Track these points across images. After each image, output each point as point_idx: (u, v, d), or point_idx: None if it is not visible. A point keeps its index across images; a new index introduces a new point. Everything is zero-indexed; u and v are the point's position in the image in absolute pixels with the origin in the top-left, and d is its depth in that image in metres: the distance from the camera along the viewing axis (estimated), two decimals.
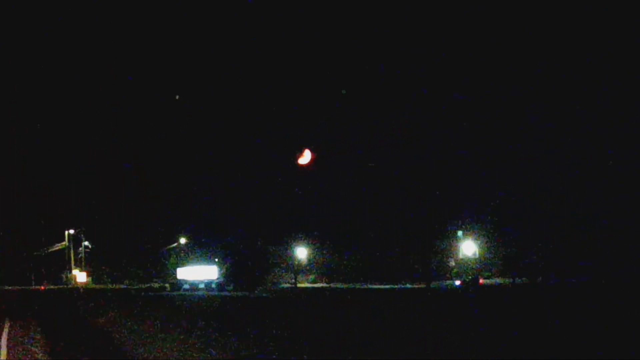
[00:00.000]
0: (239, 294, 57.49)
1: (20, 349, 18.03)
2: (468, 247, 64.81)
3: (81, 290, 69.94)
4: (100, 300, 45.01)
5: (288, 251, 76.82)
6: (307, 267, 77.81)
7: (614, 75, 61.28)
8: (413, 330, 19.67)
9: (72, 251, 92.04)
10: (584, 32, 64.16)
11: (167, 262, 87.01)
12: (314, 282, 76.50)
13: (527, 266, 61.39)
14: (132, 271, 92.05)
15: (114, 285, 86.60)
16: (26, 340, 20.10)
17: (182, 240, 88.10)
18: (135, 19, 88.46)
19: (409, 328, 20.23)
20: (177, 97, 74.67)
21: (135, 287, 78.94)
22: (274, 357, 15.50)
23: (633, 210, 57.17)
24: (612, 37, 62.01)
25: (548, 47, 68.57)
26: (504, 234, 64.92)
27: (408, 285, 59.77)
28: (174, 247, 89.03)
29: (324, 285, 71.62)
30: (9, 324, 25.54)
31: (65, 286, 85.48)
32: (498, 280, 63.33)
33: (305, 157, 41.61)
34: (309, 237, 76.45)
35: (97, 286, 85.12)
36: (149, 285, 79.35)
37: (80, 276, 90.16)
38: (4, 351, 17.71)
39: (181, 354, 16.19)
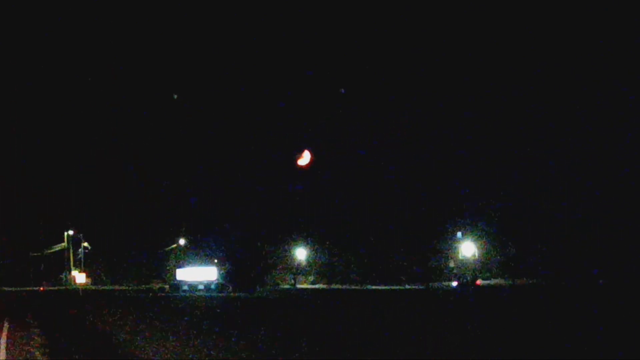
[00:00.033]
0: (239, 294, 57.57)
1: (20, 350, 18.05)
2: (467, 248, 64.88)
3: (80, 291, 69.96)
4: (99, 301, 44.98)
5: (287, 252, 76.91)
6: (307, 268, 77.87)
7: (614, 75, 61.34)
8: (410, 331, 19.76)
9: (71, 252, 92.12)
10: (584, 32, 64.22)
11: (166, 263, 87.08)
12: (313, 283, 76.58)
13: (527, 267, 61.48)
14: (132, 272, 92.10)
15: (113, 286, 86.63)
16: (25, 341, 20.11)
17: (182, 241, 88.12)
18: (135, 19, 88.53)
19: (406, 330, 20.32)
20: (174, 96, 74.60)
21: (134, 288, 78.99)
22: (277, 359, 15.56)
23: (634, 210, 57.23)
24: (612, 37, 62.07)
25: (548, 47, 68.61)
26: (503, 234, 65.00)
27: (407, 286, 59.86)
28: (173, 248, 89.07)
29: (324, 286, 71.71)
30: (8, 325, 25.58)
31: (64, 287, 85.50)
32: (497, 281, 63.39)
33: (305, 158, 41.74)
34: (308, 238, 76.51)
35: (96, 287, 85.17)
36: (148, 286, 79.36)
37: (80, 277, 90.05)
38: (4, 352, 17.75)
39: (182, 355, 16.24)
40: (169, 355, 16.33)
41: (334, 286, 69.64)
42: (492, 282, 63.00)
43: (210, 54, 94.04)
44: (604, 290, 41.54)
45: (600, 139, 62.58)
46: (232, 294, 61.98)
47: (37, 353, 17.34)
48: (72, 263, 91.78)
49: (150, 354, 16.64)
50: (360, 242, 74.18)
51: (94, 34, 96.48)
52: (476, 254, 64.09)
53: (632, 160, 58.92)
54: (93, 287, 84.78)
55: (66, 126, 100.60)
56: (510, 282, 59.07)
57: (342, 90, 69.90)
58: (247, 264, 73.99)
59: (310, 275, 78.10)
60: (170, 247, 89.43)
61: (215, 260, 75.47)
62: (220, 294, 61.14)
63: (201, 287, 69.07)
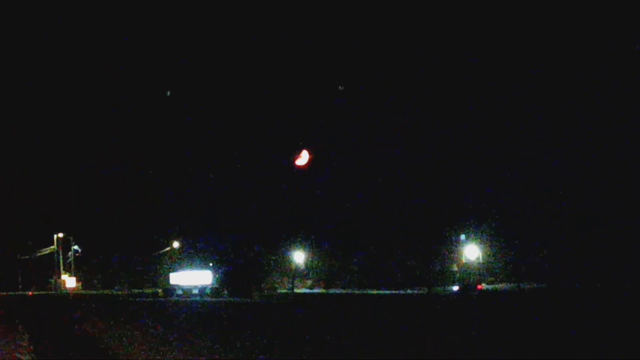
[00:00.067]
0: (235, 299, 56.92)
1: (7, 358, 17.56)
2: (471, 252, 64.42)
3: (70, 296, 69.26)
4: (90, 306, 44.38)
5: (285, 255, 76.35)
6: (305, 272, 77.32)
7: (614, 75, 61.45)
8: (408, 339, 19.24)
9: (60, 255, 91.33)
10: (584, 32, 64.37)
11: (159, 267, 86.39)
12: (311, 287, 76.02)
13: (533, 271, 61.11)
14: (124, 276, 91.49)
15: (105, 291, 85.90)
16: (13, 348, 19.59)
17: (175, 244, 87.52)
18: (135, 19, 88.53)
19: (404, 337, 19.78)
20: (168, 93, 74.21)
21: (126, 292, 78.30)
22: None
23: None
24: (612, 37, 62.23)
25: (548, 47, 68.74)
26: (508, 237, 64.61)
27: (409, 291, 59.35)
28: (166, 252, 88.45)
29: (322, 291, 71.13)
30: None
31: (53, 292, 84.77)
32: (502, 285, 62.99)
33: (303, 158, 41.16)
34: (306, 241, 75.98)
35: (87, 292, 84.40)
36: (140, 290, 78.76)
37: (70, 281, 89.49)
38: None
39: None
40: None
41: (332, 291, 69.09)
42: (497, 286, 62.61)
43: (210, 54, 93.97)
44: (609, 295, 41.08)
45: (603, 139, 62.59)
46: (227, 298, 61.33)
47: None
48: (61, 267, 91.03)
49: None
50: (360, 245, 73.77)
51: (94, 34, 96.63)
52: (480, 258, 63.65)
53: (634, 161, 58.98)
54: (83, 292, 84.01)
55: (56, 128, 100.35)
56: (515, 286, 58.62)
57: (340, 87, 69.67)
58: (243, 267, 73.48)
59: (308, 279, 77.58)
60: (163, 250, 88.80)
61: (210, 264, 74.93)
62: (215, 299, 60.48)
63: (196, 291, 68.56)
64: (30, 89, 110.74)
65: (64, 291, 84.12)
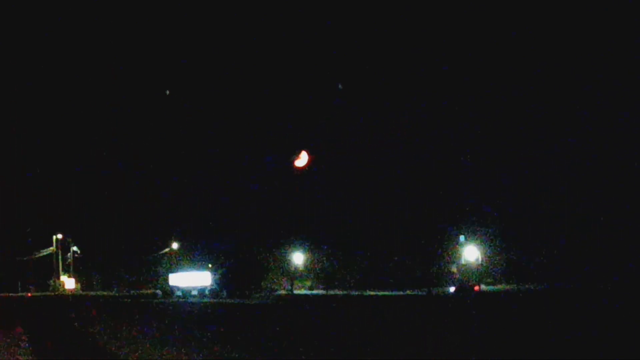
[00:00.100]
0: (234, 301, 57.38)
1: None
2: (471, 252, 64.73)
3: (69, 297, 69.70)
4: (90, 307, 44.82)
5: (284, 256, 76.69)
6: (304, 273, 77.66)
7: (614, 75, 61.83)
8: (405, 341, 19.70)
9: (59, 257, 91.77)
10: (584, 32, 64.71)
11: (158, 268, 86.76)
12: (311, 288, 76.37)
13: (533, 272, 61.29)
14: (123, 277, 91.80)
15: (104, 292, 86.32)
16: (13, 350, 19.95)
17: (174, 245, 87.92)
18: (135, 19, 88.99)
19: (401, 340, 20.26)
20: (167, 92, 74.57)
21: (125, 294, 78.74)
22: None
23: None
24: (612, 37, 62.59)
25: (548, 47, 69.11)
26: (508, 238, 64.89)
27: (408, 292, 59.67)
28: (165, 253, 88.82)
29: (322, 292, 71.49)
30: None
31: (52, 293, 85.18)
32: (502, 286, 63.20)
33: (302, 159, 41.57)
34: (306, 242, 76.32)
35: (86, 293, 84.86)
36: (139, 292, 79.13)
37: (69, 283, 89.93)
38: None
39: None
40: None
41: (331, 292, 69.43)
42: (497, 287, 62.78)
43: (210, 54, 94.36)
44: (611, 296, 41.43)
45: (603, 139, 62.89)
46: (226, 299, 61.79)
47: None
48: (60, 268, 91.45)
49: None
50: (360, 246, 74.06)
51: (94, 34, 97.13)
52: (480, 259, 63.93)
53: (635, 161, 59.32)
54: (82, 293, 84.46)
55: (55, 128, 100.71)
56: (515, 287, 58.89)
57: (340, 86, 70.06)
58: (242, 268, 73.81)
59: (307, 280, 77.90)
60: (162, 252, 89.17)
61: (210, 265, 75.31)
62: (214, 300, 60.94)
63: (195, 292, 68.98)
64: (29, 89, 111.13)
65: (63, 292, 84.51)
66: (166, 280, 75.83)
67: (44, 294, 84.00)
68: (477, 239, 64.93)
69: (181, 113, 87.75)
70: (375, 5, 77.15)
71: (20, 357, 18.12)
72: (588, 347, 14.52)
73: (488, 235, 65.07)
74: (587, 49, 64.46)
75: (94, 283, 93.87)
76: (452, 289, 59.50)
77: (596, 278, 52.69)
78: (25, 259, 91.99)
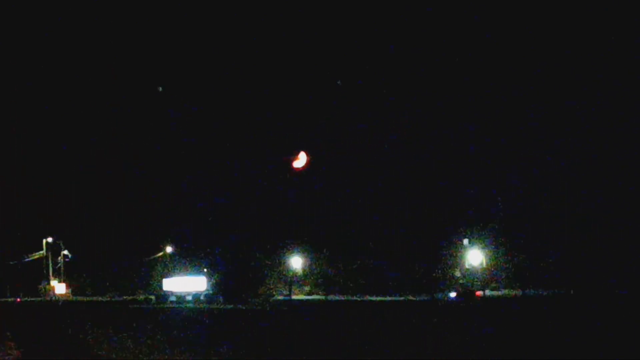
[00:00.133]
0: (230, 306, 57.02)
1: None
2: (474, 257, 64.48)
3: (60, 302, 69.29)
4: (81, 313, 44.43)
5: (282, 261, 76.37)
6: (303, 278, 77.35)
7: (614, 75, 61.90)
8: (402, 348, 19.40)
9: (50, 261, 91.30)
10: (584, 32, 64.84)
11: (152, 272, 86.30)
12: (309, 293, 76.04)
13: (537, 277, 61.01)
14: (115, 282, 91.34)
15: (96, 297, 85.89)
16: (1, 355, 19.70)
17: (169, 249, 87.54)
18: (135, 19, 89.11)
19: (399, 347, 19.94)
20: (160, 88, 74.30)
21: (118, 299, 78.30)
22: None
23: None
24: (612, 37, 62.72)
25: (548, 47, 69.23)
26: (512, 242, 64.62)
27: (410, 297, 59.32)
28: (159, 257, 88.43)
29: (321, 297, 71.16)
30: None
31: (42, 298, 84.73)
32: (506, 291, 62.89)
33: (301, 160, 41.18)
34: (304, 245, 76.02)
35: (78, 298, 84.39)
36: (133, 297, 78.71)
37: (59, 287, 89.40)
38: None
39: None
40: None
41: (331, 297, 69.11)
42: (501, 292, 62.48)
43: (209, 54, 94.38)
44: (618, 300, 41.16)
45: (606, 141, 62.89)
46: (222, 305, 61.41)
47: None
48: (51, 272, 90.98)
49: None
50: (360, 250, 73.75)
51: (93, 34, 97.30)
52: (484, 263, 63.68)
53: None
54: (73, 298, 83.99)
55: (47, 131, 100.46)
56: (520, 292, 58.57)
57: (338, 82, 69.98)
58: (239, 273, 73.47)
59: (306, 285, 77.59)
60: (156, 256, 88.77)
61: (205, 270, 74.91)
62: (210, 306, 60.55)
63: (189, 297, 68.59)
64: (29, 90, 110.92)
65: (54, 297, 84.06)
66: (160, 285, 75.42)
67: (34, 299, 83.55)
68: (481, 243, 64.68)
69: (177, 114, 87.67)
70: (375, 5, 77.36)
71: None
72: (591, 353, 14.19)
73: (493, 238, 64.82)
74: (587, 49, 64.69)
75: (86, 288, 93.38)
76: (452, 294, 59.12)
77: (601, 283, 52.50)
78: (14, 263, 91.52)
